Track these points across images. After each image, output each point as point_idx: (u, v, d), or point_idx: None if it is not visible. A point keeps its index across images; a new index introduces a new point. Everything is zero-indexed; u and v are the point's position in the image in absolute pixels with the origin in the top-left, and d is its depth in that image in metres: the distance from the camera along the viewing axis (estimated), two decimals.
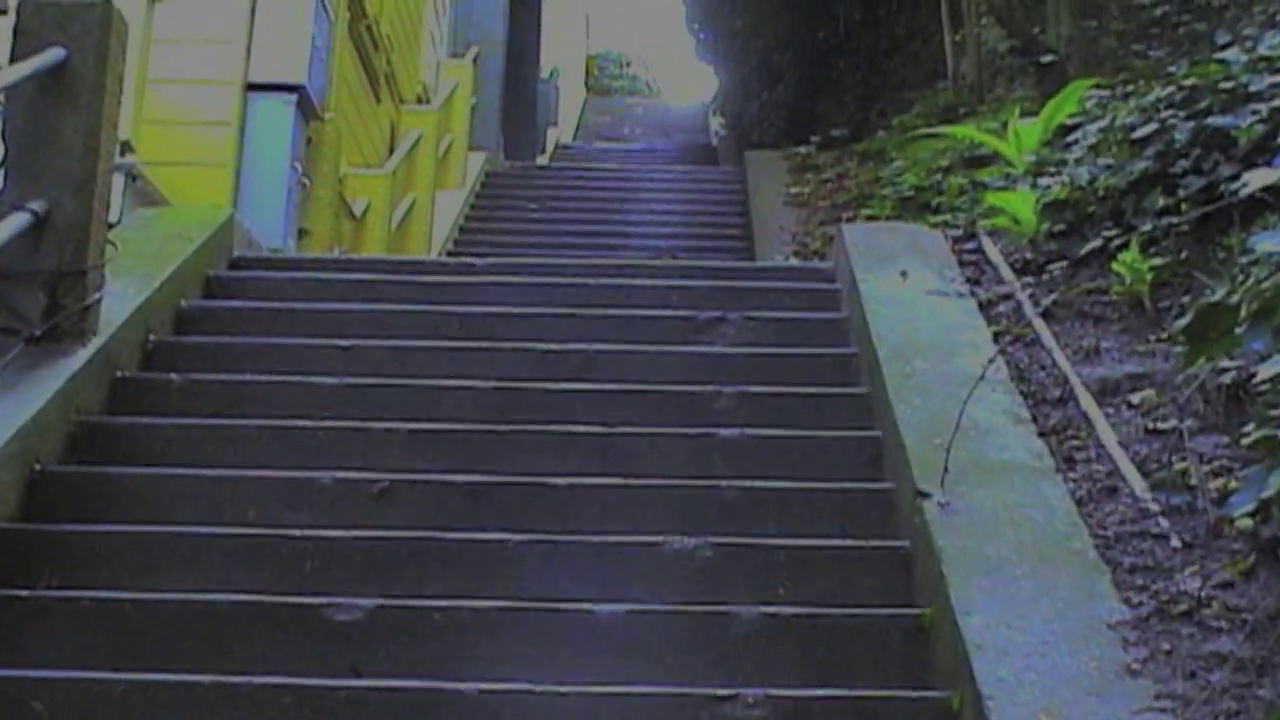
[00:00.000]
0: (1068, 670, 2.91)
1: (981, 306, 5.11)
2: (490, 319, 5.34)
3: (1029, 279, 5.36)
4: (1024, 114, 7.12)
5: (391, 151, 11.06)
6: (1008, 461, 3.84)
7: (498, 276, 5.86)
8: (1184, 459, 3.79)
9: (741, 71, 16.16)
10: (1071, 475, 3.82)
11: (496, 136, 14.75)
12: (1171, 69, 6.63)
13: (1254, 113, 5.10)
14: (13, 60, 4.35)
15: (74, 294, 4.38)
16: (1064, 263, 5.42)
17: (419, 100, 12.44)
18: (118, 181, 5.78)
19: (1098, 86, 7.12)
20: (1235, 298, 3.23)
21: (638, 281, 5.78)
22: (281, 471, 4.15)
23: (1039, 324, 4.88)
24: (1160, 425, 4.02)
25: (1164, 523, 3.53)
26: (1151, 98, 5.87)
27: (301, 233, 7.96)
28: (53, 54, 4.35)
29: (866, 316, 4.94)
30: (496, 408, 4.63)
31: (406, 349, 5.05)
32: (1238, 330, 3.19)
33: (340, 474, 4.12)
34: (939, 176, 8.96)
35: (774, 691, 3.13)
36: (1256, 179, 3.58)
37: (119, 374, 4.67)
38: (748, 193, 12.09)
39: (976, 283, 5.43)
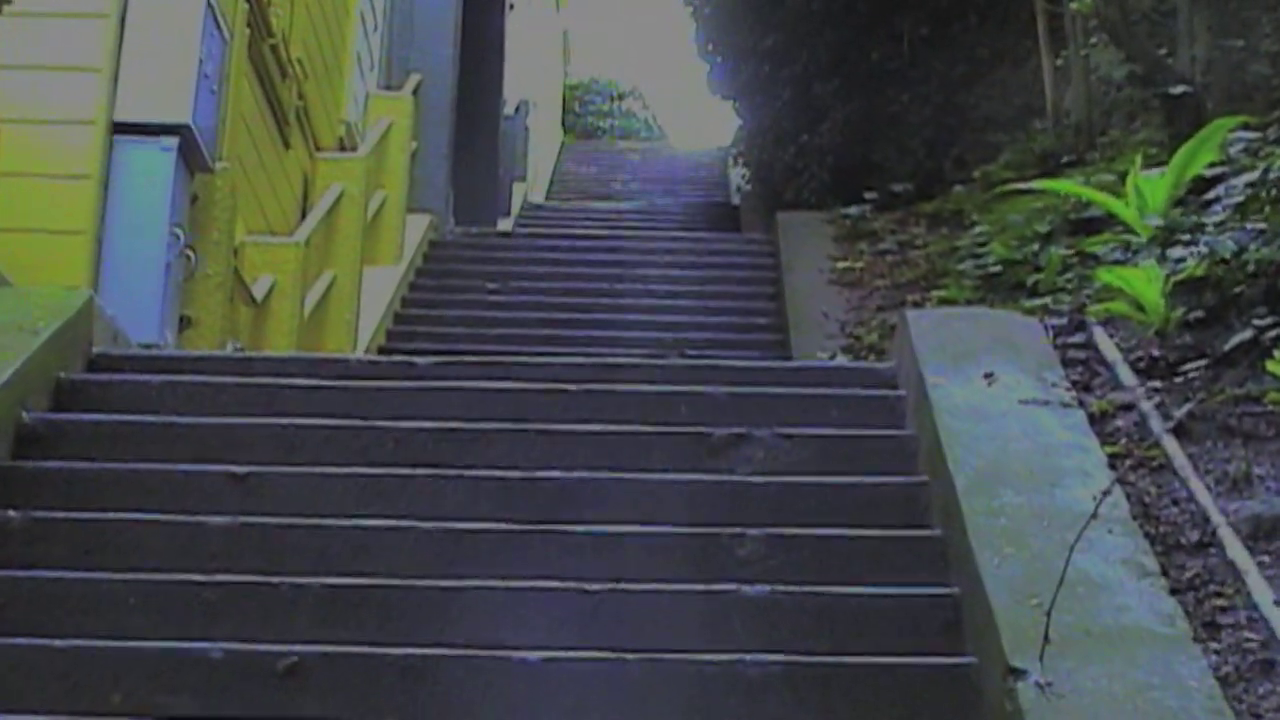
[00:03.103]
0: None
1: (1093, 420, 5.17)
2: (434, 438, 5.39)
3: (1156, 383, 5.42)
4: (1148, 163, 7.24)
5: (305, 214, 11.17)
6: (1129, 627, 3.88)
7: (446, 380, 5.92)
8: None
9: (771, 107, 16.32)
10: (1214, 645, 3.85)
11: (444, 193, 14.87)
12: None
13: None
14: None
15: None
16: (1203, 361, 5.49)
17: (341, 146, 12.57)
18: None
19: (1244, 127, 7.24)
20: None
21: (633, 387, 5.84)
22: (156, 642, 4.18)
23: (1170, 443, 4.94)
24: None
25: None
26: None
27: (184, 322, 8.02)
28: None
29: (940, 434, 5.00)
30: (442, 557, 4.67)
31: (323, 478, 5.10)
32: None
33: (233, 646, 4.14)
34: (1035, 246, 9.07)
35: None
36: None
37: None
38: (780, 268, 12.19)
39: (1087, 388, 5.49)
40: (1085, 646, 3.78)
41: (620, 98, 34.98)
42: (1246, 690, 3.69)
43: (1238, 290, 5.68)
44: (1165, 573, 4.17)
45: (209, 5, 7.94)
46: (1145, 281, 5.85)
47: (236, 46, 8.97)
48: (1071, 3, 10.61)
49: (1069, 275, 8.02)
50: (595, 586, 4.45)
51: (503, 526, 4.79)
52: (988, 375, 5.46)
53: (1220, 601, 4.07)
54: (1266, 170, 6.14)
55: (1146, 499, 4.64)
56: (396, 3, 14.88)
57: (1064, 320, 6.23)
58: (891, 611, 4.39)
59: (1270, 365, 5.08)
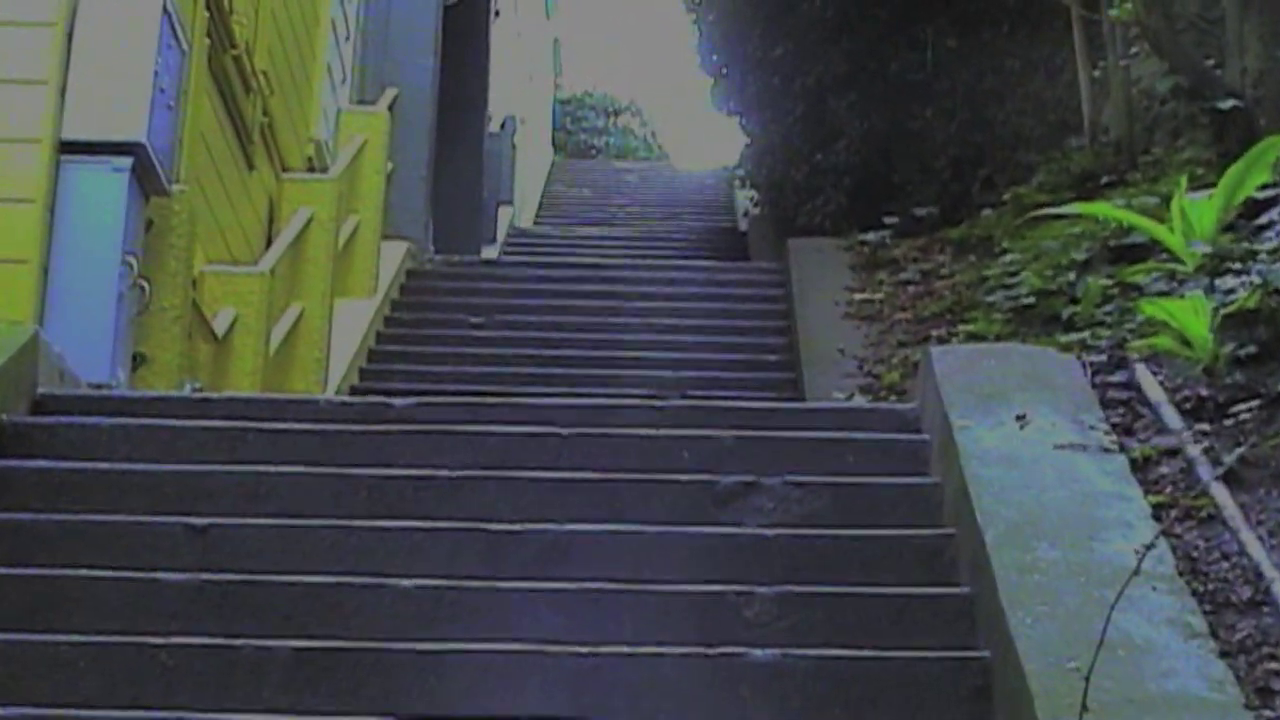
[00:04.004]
0: None
1: (1136, 466, 5.19)
2: (413, 486, 5.41)
3: (1204, 426, 5.44)
4: (1194, 184, 7.26)
5: (270, 241, 11.19)
6: (1175, 694, 3.89)
7: (425, 423, 5.94)
8: None
9: (782, 124, 16.35)
10: (1267, 714, 3.86)
11: (423, 219, 14.89)
12: None
13: None
14: None
15: None
16: (1255, 402, 5.51)
17: (310, 166, 12.60)
18: None
19: None
20: None
21: (631, 430, 5.87)
22: (108, 711, 4.19)
23: (1220, 492, 4.95)
24: None
25: None
26: None
27: (138, 360, 8.02)
28: None
29: (967, 482, 5.02)
30: (421, 618, 4.68)
31: (290, 531, 5.12)
32: None
33: (193, 716, 4.15)
34: (1072, 276, 9.09)
35: None
36: None
37: None
38: (792, 300, 12.21)
39: (1128, 432, 5.51)
40: (1127, 715, 3.79)
41: (616, 113, 35.08)
42: None
43: None
44: (1214, 634, 4.18)
45: (166, 13, 7.96)
46: (1192, 314, 5.87)
47: (196, 58, 8.99)
48: (1110, 9, 10.64)
49: (1108, 307, 8.04)
50: (590, 650, 4.46)
51: (488, 584, 4.81)
52: (1020, 417, 5.48)
53: (1274, 665, 4.08)
54: None
55: (1194, 553, 4.65)
56: (371, 10, 14.90)
57: (1103, 357, 6.25)
58: (915, 677, 4.40)
59: None
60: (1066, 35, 12.40)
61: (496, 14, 18.05)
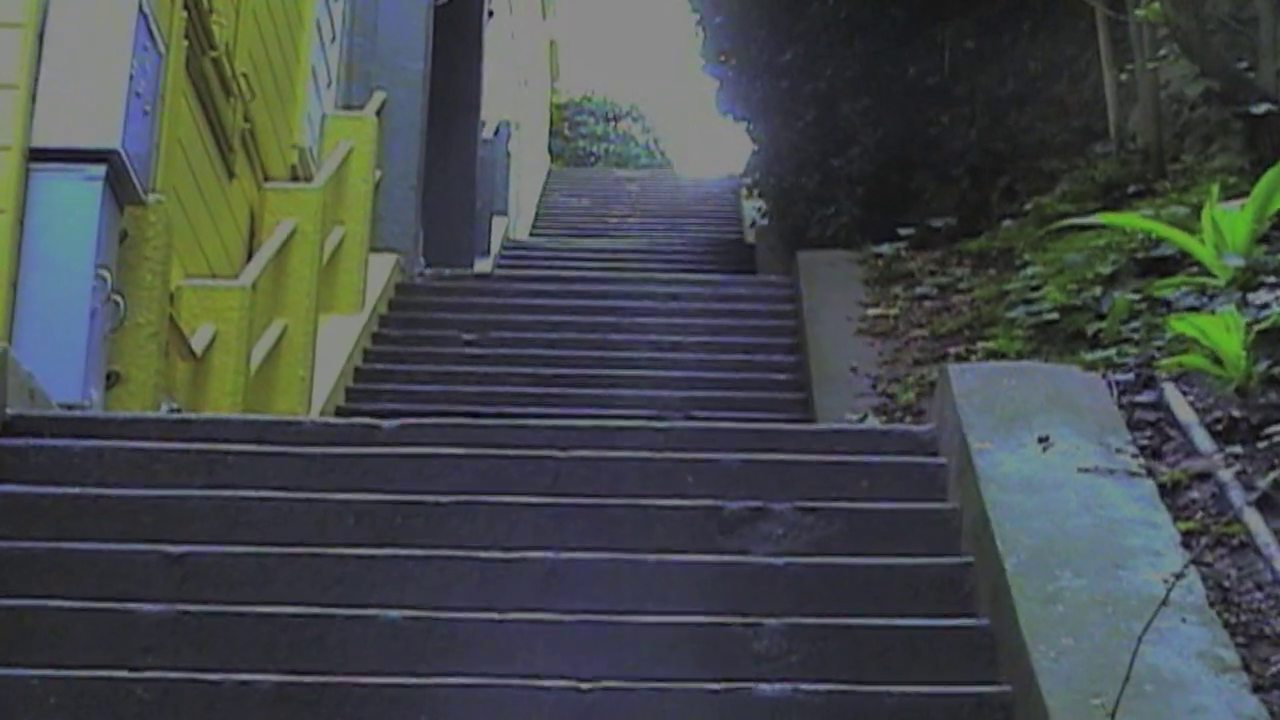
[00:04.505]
0: None
1: (1164, 491, 5.19)
2: (402, 513, 5.41)
3: (1237, 449, 5.45)
4: (1226, 194, 7.27)
5: (251, 254, 11.19)
6: None
7: (415, 446, 5.95)
8: None
9: (791, 130, 16.38)
10: None
11: (412, 230, 14.91)
12: None
13: None
14: None
15: None
16: None
17: (293, 175, 12.61)
18: None
19: None
20: None
21: (632, 454, 5.87)
22: None
23: (1253, 518, 4.96)
24: None
25: None
26: None
27: (112, 378, 8.03)
28: None
29: (987, 508, 5.02)
30: (410, 651, 4.68)
31: (272, 559, 5.12)
32: None
33: None
34: (1097, 291, 9.10)
35: None
36: None
37: None
38: (802, 316, 12.23)
39: (1157, 455, 5.52)
40: None
41: (616, 119, 35.14)
42: None
43: None
44: (1247, 667, 4.19)
45: (142, 13, 7.97)
46: (1224, 331, 5.87)
47: (173, 61, 9.00)
48: (1138, 9, 10.66)
49: (1136, 324, 8.05)
50: (589, 685, 4.46)
51: (481, 615, 4.81)
52: (1042, 440, 5.48)
53: None
54: None
55: (1226, 582, 4.66)
56: (358, 10, 14.91)
57: (1130, 376, 6.25)
58: (931, 714, 4.40)
59: None
60: (1091, 37, 12.41)
61: (490, 14, 18.08)
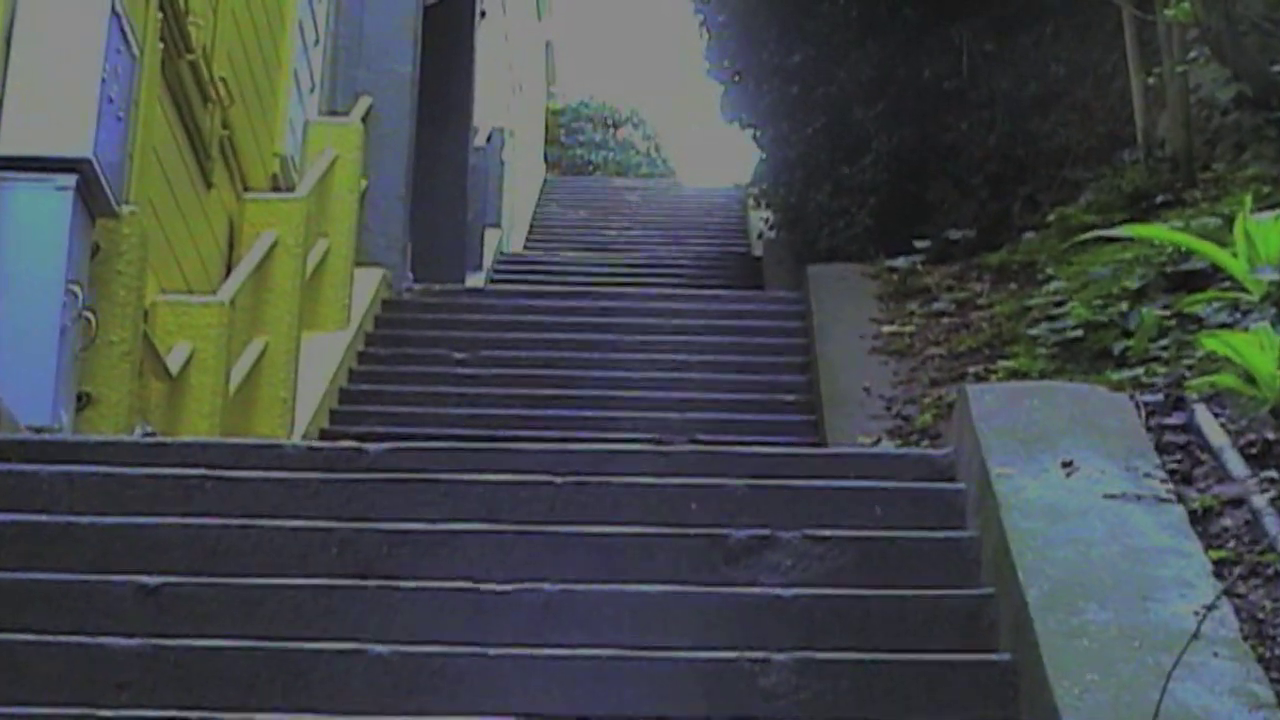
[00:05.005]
0: None
1: (1195, 518, 5.19)
2: (389, 542, 5.41)
3: (1272, 473, 5.44)
4: (1260, 204, 7.26)
5: (230, 268, 11.20)
6: None
7: (403, 471, 5.95)
8: None
9: (801, 136, 16.38)
10: None
11: (400, 243, 14.91)
12: None
13: None
14: None
15: None
16: None
17: (275, 184, 12.62)
18: None
19: None
20: None
21: (632, 479, 5.87)
22: None
23: None
24: None
25: None
26: None
27: (83, 400, 8.03)
28: None
29: (1008, 536, 5.02)
30: (399, 689, 4.68)
31: (252, 591, 5.12)
32: None
33: None
34: (1124, 306, 9.11)
35: None
36: None
37: None
38: (812, 333, 12.23)
39: (1187, 480, 5.52)
40: None
41: (616, 125, 35.19)
42: None
43: None
44: None
45: (115, 15, 7.98)
46: (1257, 349, 5.86)
47: (148, 64, 9.01)
48: (1166, 9, 10.67)
49: (1165, 341, 8.05)
50: None
51: (473, 650, 4.81)
52: (1066, 464, 5.48)
53: None
54: None
55: (1260, 614, 4.65)
56: (343, 11, 14.93)
57: (1159, 396, 6.26)
58: None
59: None
60: (1117, 38, 12.42)
61: (482, 14, 18.10)
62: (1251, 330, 6.11)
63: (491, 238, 19.98)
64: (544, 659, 4.77)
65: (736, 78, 17.39)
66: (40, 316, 7.58)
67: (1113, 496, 5.29)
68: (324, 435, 11.11)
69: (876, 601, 5.11)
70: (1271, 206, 7.18)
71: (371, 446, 6.30)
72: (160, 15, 9.31)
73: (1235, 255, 6.67)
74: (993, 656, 4.82)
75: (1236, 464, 5.56)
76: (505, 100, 24.32)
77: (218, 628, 4.96)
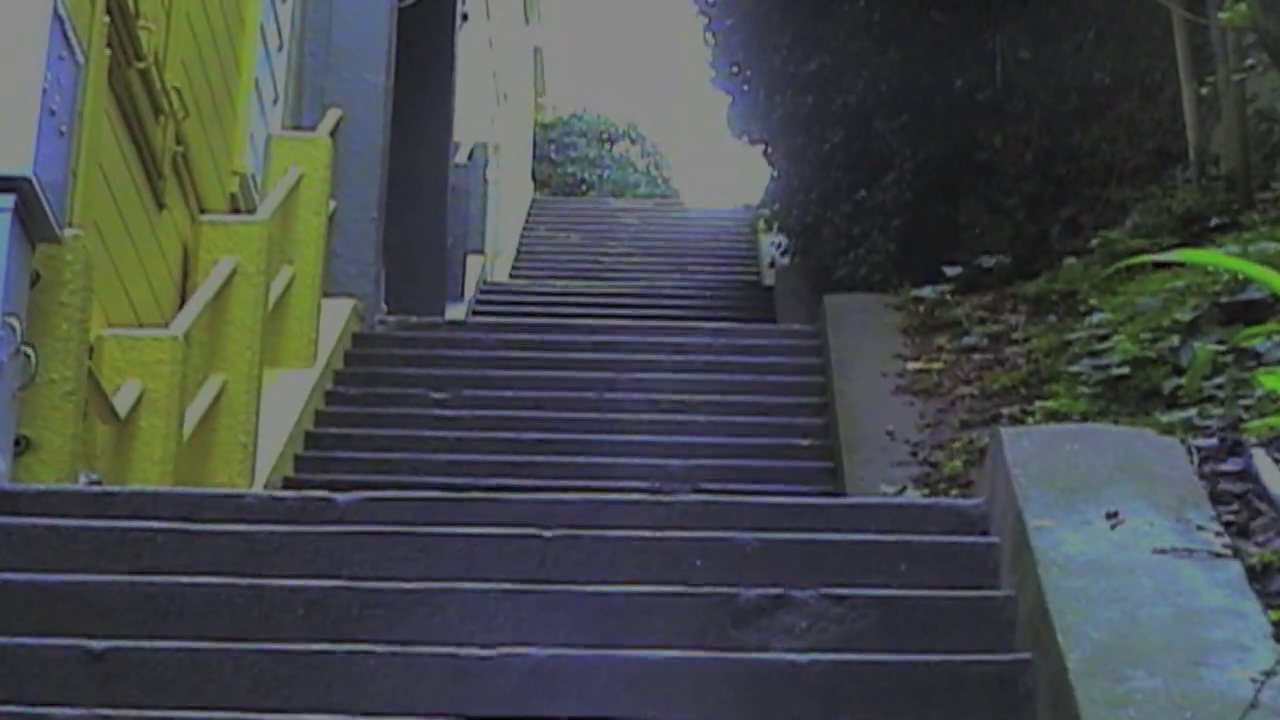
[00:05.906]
0: None
1: (1253, 576, 5.19)
2: (360, 601, 5.41)
3: None
4: None
5: (184, 298, 11.21)
6: None
7: (376, 524, 5.95)
8: None
9: (817, 152, 16.42)
10: None
11: (373, 271, 14.92)
12: None
13: None
14: None
15: None
16: None
17: (234, 206, 12.64)
18: None
19: None
20: None
21: (630, 533, 5.88)
22: None
23: None
24: None
25: None
26: None
27: (21, 444, 8.04)
28: None
29: (1046, 596, 5.02)
30: None
31: (208, 656, 5.11)
32: None
33: None
34: (1175, 340, 9.12)
35: None
36: None
37: None
38: (830, 371, 12.25)
39: (1244, 533, 5.51)
40: None
41: (611, 140, 35.27)
42: None
43: None
44: None
45: (57, 17, 8.00)
46: None
47: (94, 73, 9.03)
48: (1220, 12, 10.69)
49: (1220, 379, 8.06)
50: None
51: None
52: (1111, 515, 5.49)
53: None
54: None
55: None
56: (309, 14, 14.95)
57: (1214, 441, 6.25)
58: None
59: None
60: (1167, 44, 12.45)
61: (464, 17, 18.14)
62: None
63: (474, 265, 20.02)
64: None
65: (745, 87, 17.43)
66: None
67: (1162, 551, 5.28)
68: (288, 484, 11.11)
69: (901, 668, 5.10)
70: None
71: (341, 497, 6.30)
72: (107, 19, 9.32)
73: None
74: None
75: None
76: (489, 113, 24.39)
77: (170, 697, 4.96)
